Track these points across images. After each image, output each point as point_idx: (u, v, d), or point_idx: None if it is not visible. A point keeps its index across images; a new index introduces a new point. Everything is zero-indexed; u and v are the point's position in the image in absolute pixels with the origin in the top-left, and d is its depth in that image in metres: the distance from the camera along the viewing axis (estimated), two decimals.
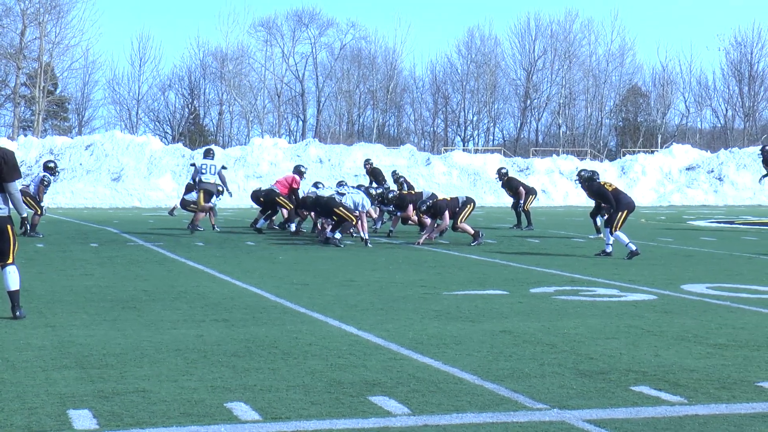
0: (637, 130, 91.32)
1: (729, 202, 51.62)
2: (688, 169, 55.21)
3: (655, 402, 6.85)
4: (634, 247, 17.95)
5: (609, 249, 18.68)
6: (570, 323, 10.27)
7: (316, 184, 25.18)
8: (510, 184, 27.97)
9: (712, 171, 54.65)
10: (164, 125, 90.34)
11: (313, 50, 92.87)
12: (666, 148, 66.19)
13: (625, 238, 18.13)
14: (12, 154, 10.43)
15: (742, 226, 30.06)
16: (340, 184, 23.75)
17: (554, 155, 61.90)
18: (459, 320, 10.48)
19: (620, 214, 18.53)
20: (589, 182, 19.91)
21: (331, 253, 19.17)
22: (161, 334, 9.42)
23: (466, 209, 21.43)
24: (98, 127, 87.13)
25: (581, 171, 20.62)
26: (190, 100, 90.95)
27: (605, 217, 19.65)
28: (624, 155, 66.52)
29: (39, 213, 23.42)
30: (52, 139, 52.58)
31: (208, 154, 25.83)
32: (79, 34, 77.07)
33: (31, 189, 23.55)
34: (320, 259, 17.71)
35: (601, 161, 64.68)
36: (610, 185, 19.34)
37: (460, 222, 21.26)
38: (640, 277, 14.81)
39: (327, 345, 8.92)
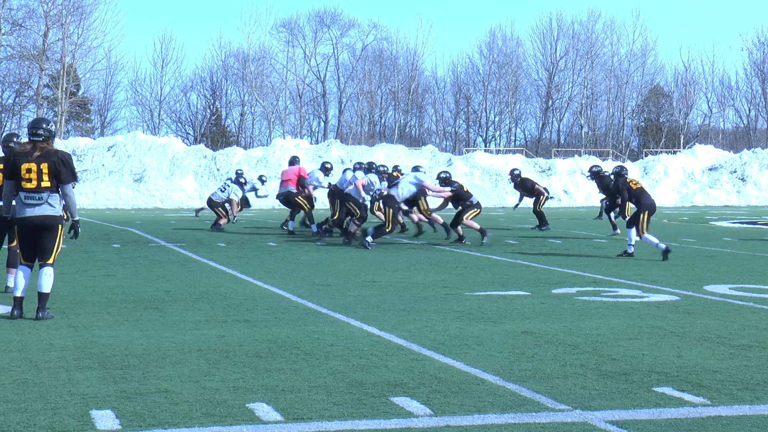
0: (660, 130, 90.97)
1: (752, 203, 51.40)
2: (710, 169, 54.99)
3: (677, 403, 6.82)
4: (664, 246, 17.87)
5: (631, 250, 18.62)
6: (592, 324, 10.24)
7: (323, 165, 25.16)
8: (524, 185, 27.90)
9: (735, 171, 54.42)
10: (186, 126, 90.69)
11: (335, 51, 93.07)
12: (688, 148, 65.97)
13: (654, 239, 18.04)
14: (69, 156, 10.56)
15: (765, 226, 29.91)
16: (356, 168, 23.18)
17: (576, 156, 61.75)
18: (481, 321, 10.47)
19: (642, 215, 18.41)
20: (617, 177, 19.27)
21: (353, 253, 19.18)
22: (183, 335, 9.44)
23: (472, 211, 21.68)
24: (120, 128, 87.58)
25: (591, 167, 20.45)
26: (212, 101, 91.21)
27: (626, 218, 19.51)
28: (646, 156, 66.27)
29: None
30: (75, 140, 52.76)
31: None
32: (101, 36, 77.52)
33: None
34: (342, 260, 17.72)
35: (623, 162, 64.45)
36: (636, 183, 19.09)
37: (466, 219, 21.55)
38: (662, 278, 14.76)
39: (349, 345, 8.92)
